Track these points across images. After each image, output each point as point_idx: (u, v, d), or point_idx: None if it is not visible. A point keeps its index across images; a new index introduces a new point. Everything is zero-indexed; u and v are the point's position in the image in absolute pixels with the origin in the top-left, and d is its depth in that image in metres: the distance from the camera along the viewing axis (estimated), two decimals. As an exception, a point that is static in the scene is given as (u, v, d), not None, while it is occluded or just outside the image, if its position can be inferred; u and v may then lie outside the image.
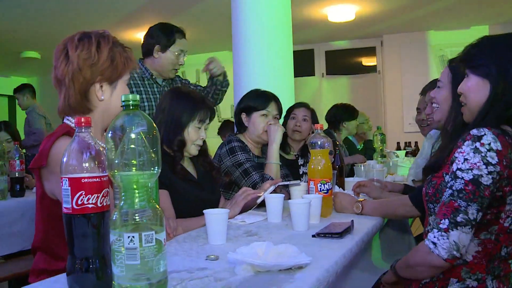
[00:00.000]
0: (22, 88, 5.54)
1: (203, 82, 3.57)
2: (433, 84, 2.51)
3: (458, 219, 1.24)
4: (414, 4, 5.95)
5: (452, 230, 1.24)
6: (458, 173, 1.27)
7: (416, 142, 5.04)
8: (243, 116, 2.57)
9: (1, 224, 2.86)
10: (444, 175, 1.40)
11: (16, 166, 3.10)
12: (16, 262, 2.98)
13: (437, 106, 1.81)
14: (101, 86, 1.47)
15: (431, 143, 2.68)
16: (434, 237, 1.26)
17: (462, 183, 1.26)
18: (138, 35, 6.78)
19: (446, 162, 1.41)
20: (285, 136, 3.01)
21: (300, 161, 3.03)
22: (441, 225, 1.25)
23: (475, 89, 1.40)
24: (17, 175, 3.11)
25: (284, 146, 3.00)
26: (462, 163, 1.27)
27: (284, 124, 3.04)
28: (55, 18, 6.09)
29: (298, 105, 3.14)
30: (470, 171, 1.25)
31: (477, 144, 1.27)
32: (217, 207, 2.06)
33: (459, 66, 1.69)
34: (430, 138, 2.80)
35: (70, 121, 1.52)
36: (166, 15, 6.07)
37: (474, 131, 1.29)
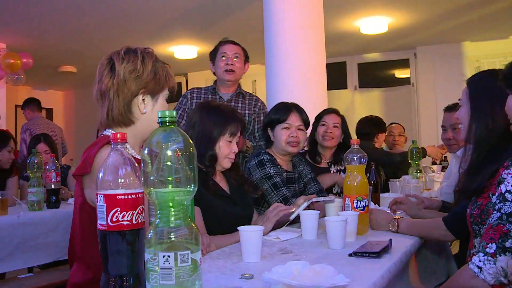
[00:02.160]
0: (25, 103, 6.03)
1: (260, 92, 3.75)
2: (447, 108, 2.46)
3: (507, 244, 1.17)
4: (448, 15, 5.84)
5: (500, 256, 1.17)
6: (508, 195, 1.21)
7: (452, 157, 4.90)
8: (269, 130, 2.55)
9: (37, 234, 2.91)
10: (491, 195, 1.33)
11: (52, 178, 3.16)
12: (51, 272, 3.04)
13: (461, 125, 1.77)
14: (144, 100, 1.51)
15: (458, 163, 2.60)
16: (480, 261, 1.19)
17: None
18: (170, 48, 6.89)
19: (493, 182, 1.35)
20: (315, 144, 2.96)
21: (333, 169, 2.96)
22: (487, 249, 1.19)
23: None
24: (53, 187, 3.17)
25: (314, 155, 2.96)
26: (511, 185, 1.21)
27: (313, 132, 2.97)
28: (90, 34, 6.26)
29: (328, 111, 3.03)
30: None
31: None
32: (250, 222, 2.03)
33: (476, 82, 1.66)
34: (457, 158, 2.72)
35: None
36: (198, 29, 6.16)
37: None
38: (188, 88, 3.08)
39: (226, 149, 1.98)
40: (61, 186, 3.41)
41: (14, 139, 3.81)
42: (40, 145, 3.94)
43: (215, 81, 3.15)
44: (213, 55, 3.13)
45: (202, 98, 3.04)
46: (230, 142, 1.99)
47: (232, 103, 3.08)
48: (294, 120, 2.48)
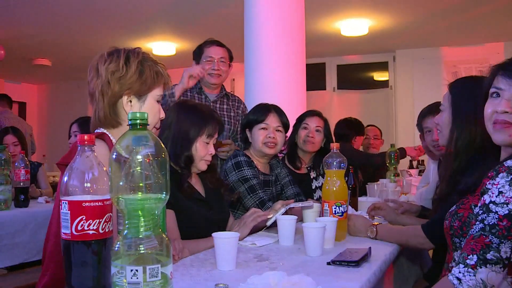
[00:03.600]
0: None
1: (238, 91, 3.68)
2: (428, 111, 2.43)
3: (488, 256, 1.13)
4: (427, 19, 5.88)
5: (481, 267, 1.13)
6: (492, 206, 1.17)
7: (429, 161, 4.92)
8: (247, 131, 2.49)
9: (4, 235, 2.80)
10: (473, 206, 1.30)
11: (21, 176, 3.04)
12: (18, 275, 2.93)
13: (440, 131, 1.74)
14: (130, 101, 1.48)
15: (437, 170, 2.58)
16: (460, 272, 1.16)
17: (496, 218, 1.15)
18: (148, 45, 6.77)
19: (475, 194, 1.32)
20: (294, 149, 2.89)
21: (313, 174, 2.88)
22: (468, 261, 1.15)
23: None
24: (21, 185, 3.05)
25: (294, 160, 2.85)
26: (496, 196, 1.17)
27: (294, 134, 2.86)
28: (66, 26, 6.09)
29: (310, 113, 2.92)
30: (505, 205, 1.15)
31: None
32: (225, 227, 1.98)
33: (459, 87, 1.64)
34: (436, 163, 2.70)
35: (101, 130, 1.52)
36: (178, 26, 6.06)
37: (508, 163, 1.20)
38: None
39: (203, 150, 1.91)
40: (31, 185, 3.30)
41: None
42: (8, 136, 3.82)
43: (199, 81, 3.08)
44: (197, 55, 3.05)
45: (188, 96, 2.97)
46: (207, 143, 1.93)
47: (218, 104, 3.03)
48: (272, 121, 2.43)
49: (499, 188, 1.17)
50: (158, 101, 1.55)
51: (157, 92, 1.53)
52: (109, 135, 1.48)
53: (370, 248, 1.54)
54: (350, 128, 4.43)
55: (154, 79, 1.50)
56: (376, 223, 1.89)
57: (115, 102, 1.47)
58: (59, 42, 6.78)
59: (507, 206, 1.15)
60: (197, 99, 2.96)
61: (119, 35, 6.36)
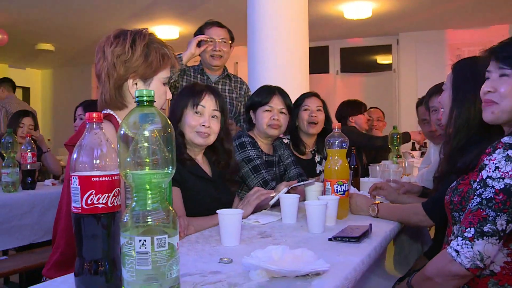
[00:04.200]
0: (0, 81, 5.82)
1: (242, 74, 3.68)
2: (435, 90, 2.44)
3: (485, 228, 1.17)
4: (431, 2, 5.84)
5: (478, 240, 1.18)
6: (488, 181, 1.21)
7: (431, 143, 4.94)
8: (251, 113, 2.51)
9: (12, 217, 2.85)
10: (472, 182, 1.33)
11: (28, 159, 3.09)
12: (27, 255, 2.99)
13: (443, 110, 1.76)
14: (135, 83, 1.50)
15: (438, 150, 2.59)
16: (458, 244, 1.20)
17: (493, 192, 1.19)
18: (152, 28, 6.76)
19: (474, 169, 1.35)
20: (297, 133, 2.87)
21: (317, 158, 2.89)
22: (466, 234, 1.19)
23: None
24: (28, 168, 3.10)
25: (298, 144, 2.82)
26: (493, 171, 1.21)
27: (294, 118, 2.81)
28: (69, 11, 6.09)
29: (308, 95, 2.90)
30: (501, 179, 1.19)
31: (509, 151, 1.20)
32: (230, 206, 2.01)
33: (460, 68, 1.67)
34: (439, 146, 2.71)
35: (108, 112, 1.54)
36: (182, 9, 6.05)
37: (505, 139, 1.23)
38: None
39: (192, 121, 1.89)
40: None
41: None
42: (28, 118, 3.95)
43: (201, 62, 3.08)
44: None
45: (192, 77, 2.99)
46: (197, 113, 1.90)
47: (220, 85, 3.04)
48: (276, 103, 2.46)
49: (495, 164, 1.21)
50: (164, 84, 1.56)
51: (163, 75, 1.54)
52: (116, 116, 1.51)
53: (370, 225, 1.57)
54: (346, 109, 4.45)
55: (160, 61, 1.51)
56: (377, 202, 1.92)
57: (121, 84, 1.49)
58: (62, 27, 6.79)
59: (503, 181, 1.18)
60: (199, 81, 2.98)
61: (122, 19, 6.35)
